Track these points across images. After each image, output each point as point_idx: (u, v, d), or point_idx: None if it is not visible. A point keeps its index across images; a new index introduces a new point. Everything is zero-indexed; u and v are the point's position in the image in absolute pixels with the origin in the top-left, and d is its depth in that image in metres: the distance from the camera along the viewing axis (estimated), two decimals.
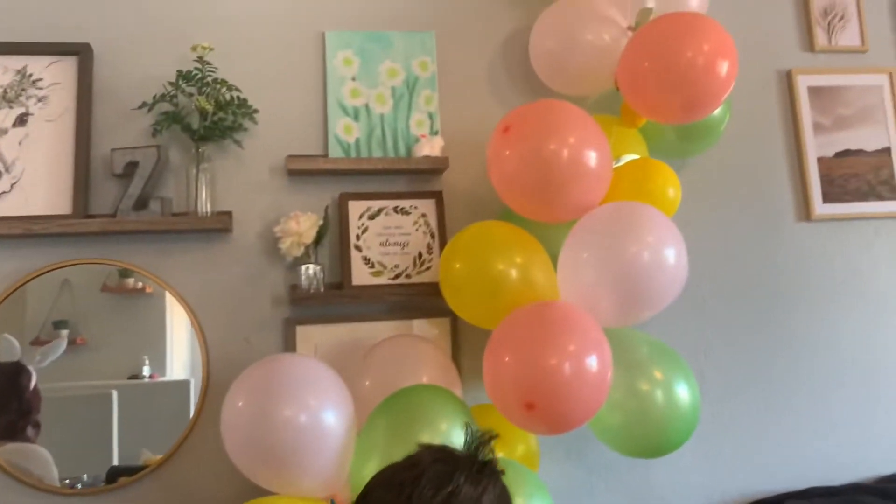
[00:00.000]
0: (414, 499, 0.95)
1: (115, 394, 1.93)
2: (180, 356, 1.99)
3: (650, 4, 1.94)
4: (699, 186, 2.21)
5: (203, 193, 1.93)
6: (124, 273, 1.96)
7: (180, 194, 1.96)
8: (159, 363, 1.97)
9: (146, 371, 1.97)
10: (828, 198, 2.27)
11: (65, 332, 1.91)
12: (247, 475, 1.55)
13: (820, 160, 2.28)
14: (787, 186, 2.29)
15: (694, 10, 2.01)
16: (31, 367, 1.87)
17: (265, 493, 1.57)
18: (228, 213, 1.96)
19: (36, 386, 1.88)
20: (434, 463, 1.00)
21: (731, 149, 2.25)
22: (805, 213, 2.28)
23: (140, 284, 1.98)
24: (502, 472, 1.07)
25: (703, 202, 2.22)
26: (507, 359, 1.59)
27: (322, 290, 1.94)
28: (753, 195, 2.27)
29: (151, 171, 1.89)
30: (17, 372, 1.88)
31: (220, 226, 1.92)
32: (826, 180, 2.28)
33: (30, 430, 1.87)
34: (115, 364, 1.95)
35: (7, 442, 1.84)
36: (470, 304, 1.81)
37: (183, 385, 1.97)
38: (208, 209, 1.93)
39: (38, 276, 1.88)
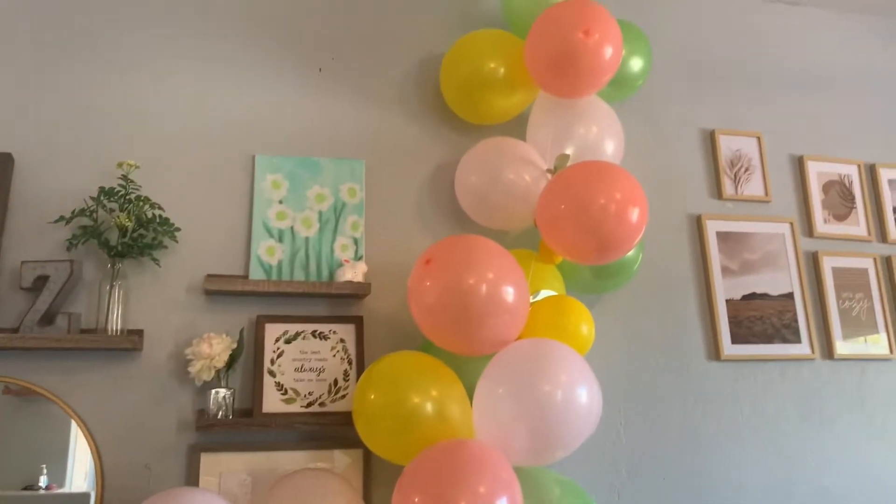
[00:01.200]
0: None
1: None
2: (82, 466, 1.88)
3: (568, 151, 2.05)
4: (613, 323, 2.28)
5: (115, 310, 1.88)
6: None
7: (91, 310, 1.91)
8: (59, 473, 1.86)
9: (43, 482, 1.84)
10: (736, 339, 2.36)
11: None
12: None
13: (728, 302, 2.39)
14: (698, 326, 2.38)
15: (610, 158, 2.14)
16: None
17: None
18: (139, 332, 1.91)
19: None
20: None
21: (644, 287, 2.34)
22: (715, 352, 2.35)
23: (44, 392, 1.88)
24: None
25: (617, 339, 2.28)
26: (416, 499, 1.55)
27: (231, 416, 1.87)
28: (665, 333, 2.34)
29: (62, 286, 1.83)
30: None
31: (129, 345, 1.86)
32: (734, 322, 2.37)
33: None
34: (10, 473, 1.83)
35: None
36: (383, 438, 1.78)
37: (82, 499, 1.85)
38: (118, 327, 1.87)
39: None
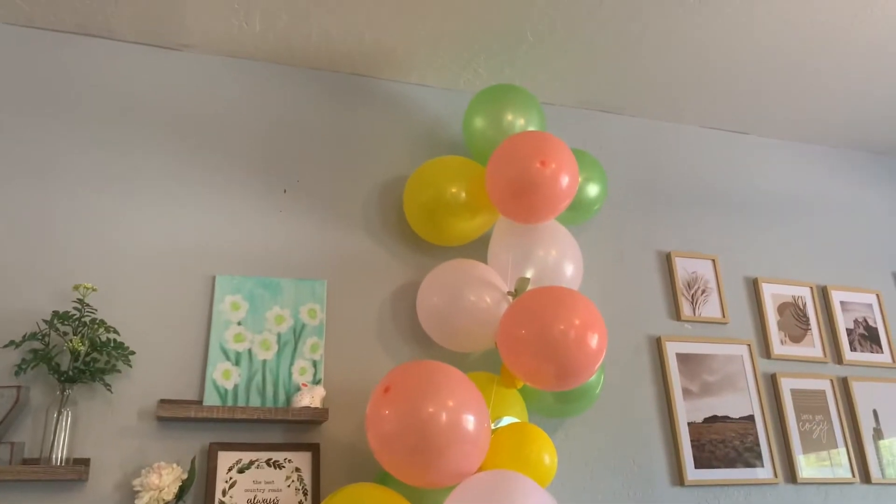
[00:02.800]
0: None
1: None
2: None
3: (528, 274, 2.08)
4: (576, 447, 2.25)
5: (61, 438, 1.80)
6: None
7: (36, 439, 1.83)
8: None
9: None
10: (699, 463, 2.33)
11: None
12: None
13: (690, 425, 2.38)
14: (662, 450, 2.35)
15: (569, 280, 2.17)
16: None
17: None
18: (86, 461, 1.83)
19: None
20: None
21: (607, 411, 2.32)
22: (678, 478, 2.32)
23: None
24: None
25: (580, 464, 2.24)
26: None
27: None
28: (629, 458, 2.31)
29: (6, 414, 1.77)
30: None
31: (73, 476, 1.78)
32: (696, 445, 2.36)
33: None
34: None
35: None
36: None
37: None
38: (63, 456, 1.79)
39: None
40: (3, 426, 1.77)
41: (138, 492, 1.80)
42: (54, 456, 1.79)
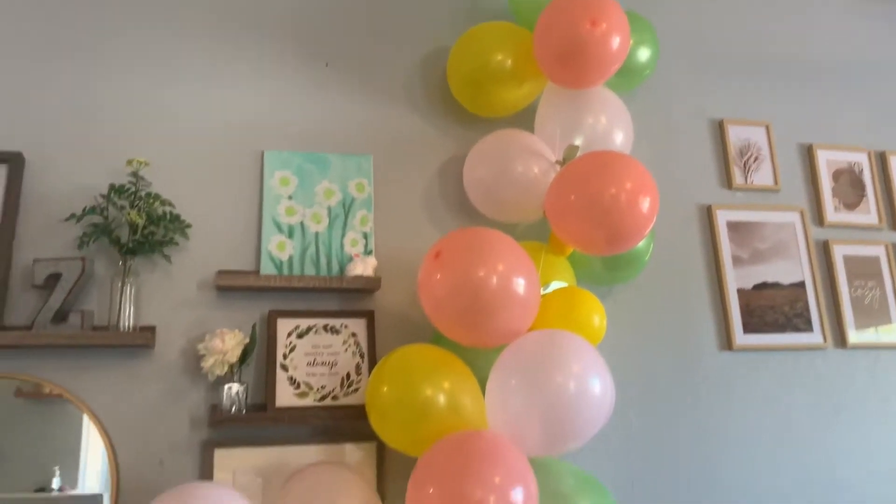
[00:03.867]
0: None
1: None
2: (95, 467, 1.89)
3: (577, 142, 2.05)
4: (624, 314, 2.27)
5: (127, 308, 1.88)
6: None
7: (103, 308, 1.91)
8: (71, 475, 1.86)
9: (56, 483, 1.85)
10: (748, 328, 2.35)
11: None
12: None
13: (739, 291, 2.38)
14: (710, 316, 2.37)
15: (619, 148, 2.13)
16: None
17: None
18: (152, 329, 1.91)
19: None
20: None
21: (655, 278, 2.33)
22: (727, 342, 2.35)
23: (57, 391, 1.89)
24: None
25: (629, 330, 2.27)
26: (431, 490, 1.55)
27: (244, 411, 1.88)
28: (677, 324, 2.34)
29: (74, 284, 1.84)
30: None
31: (141, 342, 1.87)
32: (746, 311, 2.36)
33: None
34: (23, 475, 1.84)
35: None
36: (396, 430, 1.78)
37: (95, 500, 1.86)
38: (131, 324, 1.88)
39: None
40: (71, 295, 1.84)
41: (203, 355, 1.88)
42: (122, 324, 1.87)
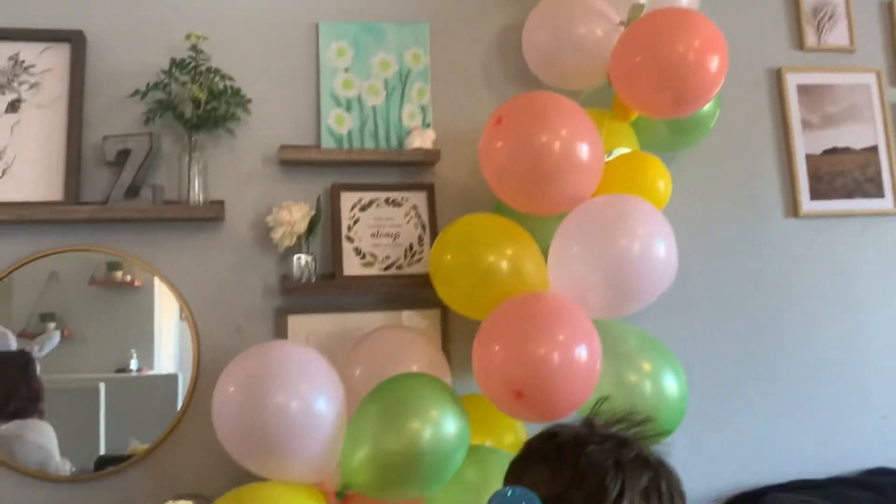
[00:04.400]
0: None
1: (102, 386, 1.94)
2: (168, 350, 2.00)
3: (642, 0, 1.96)
4: (689, 181, 2.23)
5: (195, 182, 1.93)
6: (112, 266, 1.96)
7: (172, 183, 1.96)
8: (147, 357, 1.98)
9: (134, 365, 1.96)
10: (815, 194, 2.29)
11: (52, 325, 1.91)
12: (238, 461, 1.55)
13: (808, 157, 2.31)
14: (776, 182, 2.32)
15: (685, 7, 2.03)
16: (36, 357, 1.88)
17: (256, 479, 1.58)
18: (221, 203, 1.96)
19: (40, 375, 1.88)
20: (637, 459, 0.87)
21: (720, 144, 2.27)
22: (793, 209, 2.30)
23: (128, 278, 1.97)
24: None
25: (693, 197, 2.24)
26: (496, 348, 1.60)
27: (314, 280, 1.94)
28: (742, 190, 2.30)
29: (143, 159, 1.89)
30: (26, 361, 1.89)
31: (212, 215, 1.92)
32: (814, 177, 2.30)
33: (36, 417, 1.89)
34: (103, 357, 1.95)
35: (16, 419, 1.86)
36: (460, 295, 1.82)
37: (171, 379, 1.98)
38: (200, 198, 1.93)
39: (28, 262, 1.88)
40: (141, 171, 1.89)
41: (272, 227, 1.94)
42: (191, 198, 1.92)
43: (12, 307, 1.91)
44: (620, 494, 0.78)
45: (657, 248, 1.68)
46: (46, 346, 1.89)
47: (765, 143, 2.33)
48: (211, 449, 1.78)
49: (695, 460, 2.16)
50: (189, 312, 1.94)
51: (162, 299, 1.98)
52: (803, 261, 2.30)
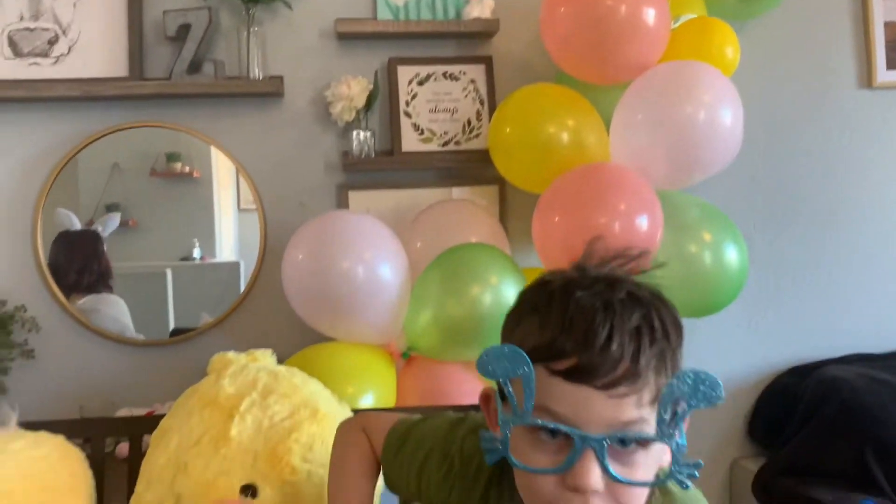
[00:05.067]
0: (671, 336, 0.75)
1: (168, 272, 2.03)
2: (228, 240, 2.06)
3: None
4: (757, 50, 2.14)
5: (254, 57, 1.93)
6: (172, 157, 2.00)
7: (232, 59, 1.96)
8: (209, 246, 2.05)
9: (196, 253, 2.04)
10: (892, 64, 2.19)
11: (117, 215, 1.99)
12: (308, 323, 1.63)
13: (887, 25, 2.19)
14: (850, 51, 2.21)
15: None
16: (102, 235, 1.97)
17: (326, 339, 1.66)
18: (279, 78, 1.97)
19: (106, 253, 1.98)
20: (630, 296, 0.74)
21: (792, 11, 2.16)
22: (867, 79, 2.20)
23: (187, 169, 2.02)
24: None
25: (761, 66, 2.15)
26: (556, 219, 1.62)
27: (373, 155, 1.96)
28: (813, 59, 2.20)
29: (203, 34, 1.89)
30: (94, 238, 1.98)
31: (272, 90, 1.93)
32: (891, 46, 2.19)
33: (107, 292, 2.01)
34: (167, 246, 2.04)
35: (91, 294, 1.96)
36: (519, 169, 1.83)
37: (233, 266, 2.05)
38: (259, 73, 1.93)
39: (97, 138, 1.92)
40: (202, 46, 1.90)
41: (331, 102, 1.94)
42: (251, 73, 1.93)
43: (80, 198, 1.98)
44: (609, 337, 0.70)
45: (723, 116, 1.64)
46: (108, 227, 1.98)
47: (840, 9, 2.21)
48: (280, 315, 1.88)
49: (751, 333, 2.18)
50: (253, 186, 1.99)
51: (221, 190, 2.03)
52: (875, 134, 2.22)
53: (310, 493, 0.98)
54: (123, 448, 1.55)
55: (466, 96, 2.04)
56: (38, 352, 1.90)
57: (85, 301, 1.96)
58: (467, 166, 2.03)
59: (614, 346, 0.70)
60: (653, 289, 0.76)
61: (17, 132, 1.92)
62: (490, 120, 1.94)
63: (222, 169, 2.03)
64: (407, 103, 2.01)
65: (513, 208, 2.05)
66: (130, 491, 1.07)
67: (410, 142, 2.01)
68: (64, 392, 1.89)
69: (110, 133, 1.93)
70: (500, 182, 2.01)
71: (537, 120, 1.75)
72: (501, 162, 1.84)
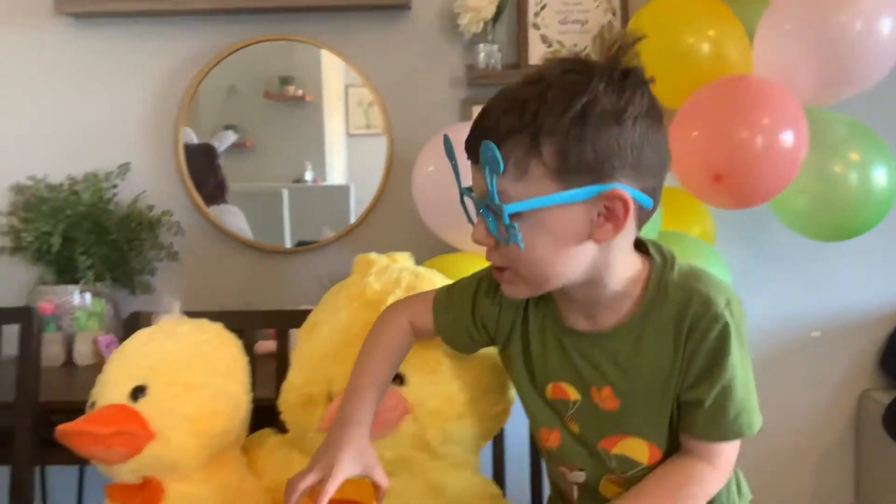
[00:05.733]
0: (541, 116, 0.75)
1: (284, 192, 2.10)
2: (339, 164, 2.11)
3: None
4: None
5: None
6: (285, 80, 2.05)
7: None
8: (320, 169, 2.10)
9: (308, 176, 2.10)
10: None
11: (230, 132, 2.07)
12: (437, 234, 1.67)
13: None
14: None
15: None
16: (218, 149, 2.06)
17: (451, 250, 1.69)
18: None
19: (222, 166, 2.07)
20: (564, 74, 0.78)
21: None
22: None
23: (300, 92, 2.06)
24: (651, 82, 0.86)
25: None
26: (695, 133, 1.56)
27: (499, 69, 1.94)
28: None
29: None
30: (210, 153, 2.07)
31: (400, 2, 1.93)
32: None
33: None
34: (281, 168, 2.11)
35: (214, 204, 2.07)
36: (656, 81, 1.76)
37: (344, 190, 2.10)
38: None
39: (236, 51, 1.98)
40: None
41: (459, 13, 1.92)
42: None
43: (200, 120, 2.06)
44: (482, 114, 0.79)
45: (882, 25, 1.52)
46: (224, 142, 2.06)
47: None
48: (401, 230, 1.92)
49: (890, 262, 2.07)
50: (379, 101, 2.01)
51: (331, 115, 2.07)
52: None
53: (454, 385, 1.01)
54: (262, 345, 1.64)
55: (598, 6, 1.97)
56: (182, 255, 2.03)
57: (210, 210, 2.06)
58: None
59: (479, 123, 0.79)
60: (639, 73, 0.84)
61: (159, 47, 2.01)
62: (622, 31, 1.87)
63: (333, 93, 2.08)
64: (536, 14, 1.97)
65: None
66: (278, 380, 1.15)
67: (538, 54, 1.97)
68: (205, 292, 2.01)
69: (247, 46, 1.98)
70: None
71: (675, 30, 1.68)
72: None
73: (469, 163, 0.81)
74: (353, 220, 2.05)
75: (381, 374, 0.96)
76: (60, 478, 1.97)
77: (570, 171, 0.76)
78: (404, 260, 1.18)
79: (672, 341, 0.83)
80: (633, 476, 0.89)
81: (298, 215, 2.10)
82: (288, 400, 1.07)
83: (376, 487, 0.88)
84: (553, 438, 0.93)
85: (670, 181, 1.71)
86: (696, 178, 1.57)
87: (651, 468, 0.88)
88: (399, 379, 1.00)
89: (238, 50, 1.98)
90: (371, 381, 0.94)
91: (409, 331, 0.99)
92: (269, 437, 1.15)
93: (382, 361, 0.96)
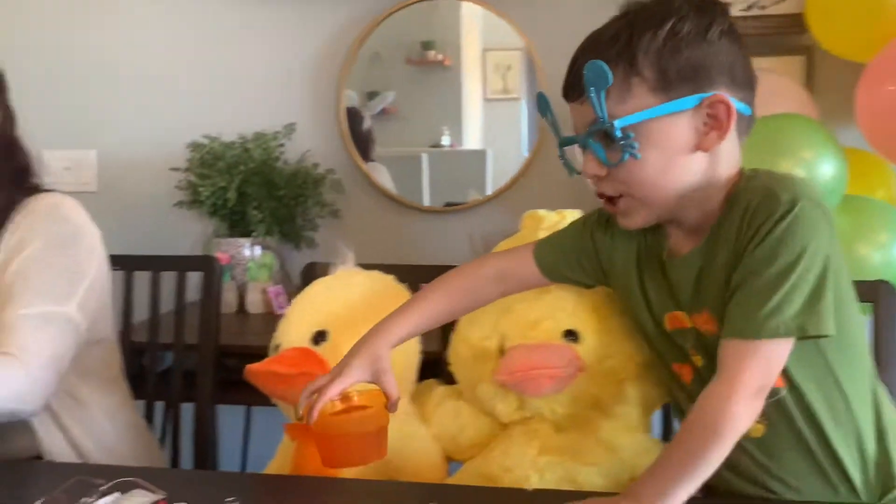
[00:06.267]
0: (634, 41, 0.80)
1: (424, 157, 2.12)
2: (475, 129, 2.11)
3: None
4: None
5: None
6: (427, 45, 2.05)
7: None
8: (457, 134, 2.10)
9: (446, 140, 2.10)
10: None
11: (383, 97, 2.11)
12: None
13: None
14: None
15: None
16: (365, 116, 2.11)
17: None
18: None
19: (370, 127, 2.11)
20: (645, 7, 0.83)
21: None
22: None
23: (440, 56, 2.06)
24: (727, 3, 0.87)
25: None
26: (890, 88, 1.44)
27: None
28: None
29: None
30: (356, 116, 2.11)
31: None
32: None
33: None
34: (420, 133, 2.12)
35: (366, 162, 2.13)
36: (841, 33, 1.63)
37: (480, 154, 2.10)
38: None
39: (391, 12, 2.00)
40: None
41: None
42: None
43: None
44: (579, 51, 0.85)
45: None
46: (377, 106, 2.10)
47: None
48: (561, 188, 1.89)
49: None
50: (537, 58, 1.98)
51: (469, 80, 2.06)
52: None
53: (629, 345, 0.99)
54: None
55: None
56: (343, 212, 2.10)
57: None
58: (771, 35, 1.84)
59: (574, 63, 0.83)
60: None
61: (320, 12, 2.07)
62: None
63: (470, 57, 2.07)
64: None
65: (822, 80, 1.85)
66: (443, 334, 1.16)
67: None
68: (364, 249, 2.06)
69: (398, 10, 1.99)
70: (808, 52, 1.81)
71: None
72: (819, 25, 1.65)
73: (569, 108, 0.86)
74: (489, 185, 2.06)
75: (437, 305, 0.98)
76: (231, 415, 2.11)
77: (672, 83, 0.80)
78: (573, 216, 1.16)
79: (734, 242, 0.80)
80: (768, 407, 0.79)
81: (436, 179, 2.12)
82: (459, 352, 1.08)
83: (387, 396, 0.90)
84: (686, 372, 0.91)
85: (854, 141, 1.61)
86: (889, 140, 1.44)
87: (788, 391, 0.82)
88: (573, 336, 0.99)
89: (393, 13, 2.00)
90: (422, 307, 0.98)
91: (491, 278, 1.00)
92: (434, 387, 1.17)
93: (443, 296, 0.99)
